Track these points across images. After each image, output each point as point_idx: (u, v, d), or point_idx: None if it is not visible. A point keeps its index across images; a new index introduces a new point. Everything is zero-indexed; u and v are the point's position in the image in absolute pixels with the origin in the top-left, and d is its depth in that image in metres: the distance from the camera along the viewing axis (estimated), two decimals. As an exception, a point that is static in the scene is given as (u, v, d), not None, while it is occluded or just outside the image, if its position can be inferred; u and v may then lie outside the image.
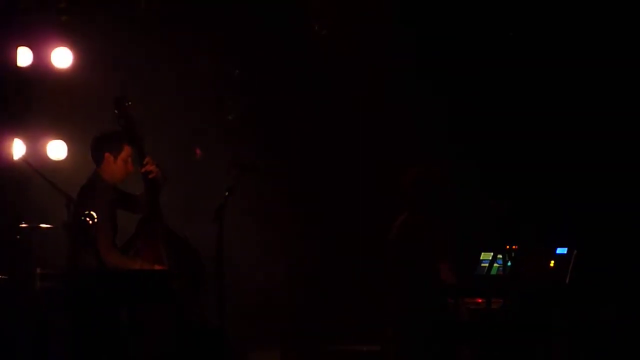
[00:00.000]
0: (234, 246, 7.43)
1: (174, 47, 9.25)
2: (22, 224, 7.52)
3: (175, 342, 7.05)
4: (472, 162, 8.98)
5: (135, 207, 7.54)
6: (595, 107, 8.71)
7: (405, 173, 7.43)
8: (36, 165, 7.54)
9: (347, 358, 8.76)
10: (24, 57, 8.73)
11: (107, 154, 7.40)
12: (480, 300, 7.26)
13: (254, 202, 9.16)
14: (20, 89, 8.79)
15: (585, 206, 8.57)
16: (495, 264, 7.44)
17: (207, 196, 7.97)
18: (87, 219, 6.64)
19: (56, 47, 8.86)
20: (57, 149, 8.91)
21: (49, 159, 8.85)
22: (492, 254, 7.50)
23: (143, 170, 7.42)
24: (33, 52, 8.77)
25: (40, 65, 8.82)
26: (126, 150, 7.42)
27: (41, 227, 7.48)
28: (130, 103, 7.40)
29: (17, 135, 8.69)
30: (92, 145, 7.48)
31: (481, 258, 7.64)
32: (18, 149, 8.65)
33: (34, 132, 8.83)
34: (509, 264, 7.19)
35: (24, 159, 8.06)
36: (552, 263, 7.39)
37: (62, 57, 8.87)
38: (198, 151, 9.63)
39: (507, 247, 7.19)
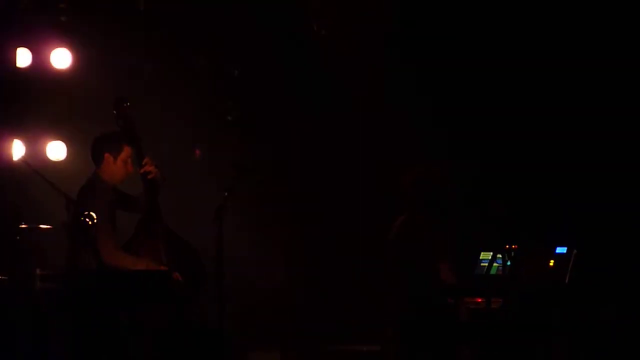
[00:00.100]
0: (234, 246, 7.42)
1: (173, 47, 9.25)
2: (22, 224, 7.52)
3: (175, 342, 7.05)
4: (472, 162, 8.97)
5: (134, 208, 7.54)
6: (595, 107, 8.70)
7: (405, 173, 7.42)
8: (36, 165, 7.54)
9: (347, 358, 8.75)
10: (23, 58, 8.74)
11: (107, 155, 7.40)
12: (479, 300, 7.25)
13: (254, 202, 9.16)
14: (20, 90, 8.79)
15: (584, 205, 8.57)
16: (495, 264, 7.42)
17: (206, 196, 7.97)
18: (87, 220, 6.64)
19: (55, 47, 8.87)
20: (56, 150, 8.92)
21: (48, 159, 8.86)
22: (491, 253, 7.49)
23: (142, 170, 7.42)
24: (32, 53, 8.78)
25: (40, 66, 8.83)
26: (126, 151, 7.42)
27: (41, 227, 7.47)
28: (128, 103, 7.40)
29: (17, 136, 8.70)
30: (92, 145, 7.48)
31: (480, 257, 7.63)
32: (18, 149, 8.66)
33: (34, 133, 8.84)
34: (509, 263, 7.19)
35: (24, 160, 8.06)
36: (551, 262, 7.38)
37: (61, 58, 8.88)
38: (198, 151, 9.64)
39: (507, 246, 7.19)
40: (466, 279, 7.42)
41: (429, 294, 7.14)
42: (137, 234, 7.40)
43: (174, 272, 7.16)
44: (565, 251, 7.37)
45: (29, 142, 8.75)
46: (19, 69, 8.75)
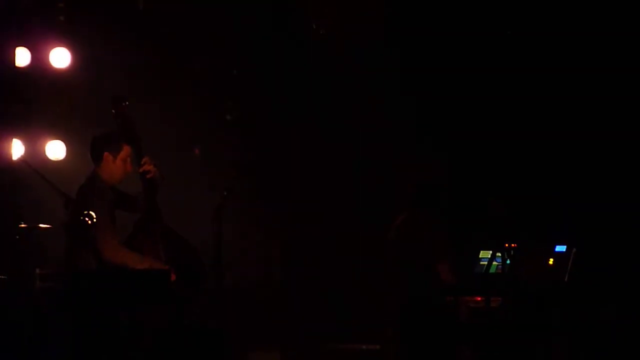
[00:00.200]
0: (234, 246, 7.42)
1: (173, 47, 9.25)
2: (21, 224, 7.52)
3: (175, 342, 7.04)
4: (472, 162, 8.97)
5: (133, 207, 7.53)
6: (594, 107, 8.70)
7: (405, 173, 7.42)
8: (35, 165, 7.56)
9: (347, 358, 8.75)
10: (23, 57, 8.74)
11: (106, 154, 7.39)
12: (479, 299, 7.25)
13: (254, 202, 9.16)
14: (19, 90, 8.78)
15: (584, 204, 8.57)
16: (494, 262, 7.42)
17: (206, 196, 7.96)
18: (86, 219, 6.64)
19: (54, 47, 8.86)
20: (55, 149, 8.91)
21: (47, 159, 8.86)
22: (491, 252, 7.49)
23: (141, 170, 7.40)
24: (31, 53, 8.78)
25: (39, 66, 8.83)
26: (125, 150, 7.41)
27: (41, 227, 7.47)
28: (127, 103, 7.39)
29: (16, 135, 8.69)
30: (91, 144, 7.47)
31: (480, 256, 7.63)
32: (17, 149, 8.64)
33: (33, 133, 8.83)
34: (508, 262, 7.18)
35: (23, 159, 8.06)
36: (551, 261, 7.38)
37: (60, 58, 8.88)
38: (197, 151, 9.63)
39: (506, 245, 7.18)
40: (466, 278, 7.42)
41: (429, 294, 7.14)
42: (136, 233, 7.39)
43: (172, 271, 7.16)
44: (564, 249, 7.37)
45: (28, 142, 8.74)
46: (18, 68, 8.74)
